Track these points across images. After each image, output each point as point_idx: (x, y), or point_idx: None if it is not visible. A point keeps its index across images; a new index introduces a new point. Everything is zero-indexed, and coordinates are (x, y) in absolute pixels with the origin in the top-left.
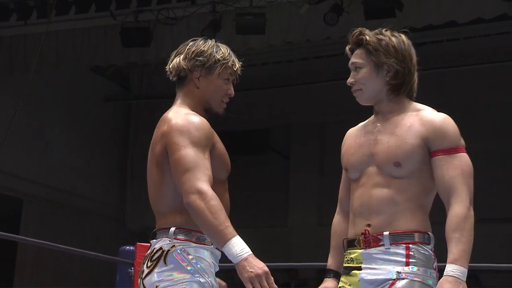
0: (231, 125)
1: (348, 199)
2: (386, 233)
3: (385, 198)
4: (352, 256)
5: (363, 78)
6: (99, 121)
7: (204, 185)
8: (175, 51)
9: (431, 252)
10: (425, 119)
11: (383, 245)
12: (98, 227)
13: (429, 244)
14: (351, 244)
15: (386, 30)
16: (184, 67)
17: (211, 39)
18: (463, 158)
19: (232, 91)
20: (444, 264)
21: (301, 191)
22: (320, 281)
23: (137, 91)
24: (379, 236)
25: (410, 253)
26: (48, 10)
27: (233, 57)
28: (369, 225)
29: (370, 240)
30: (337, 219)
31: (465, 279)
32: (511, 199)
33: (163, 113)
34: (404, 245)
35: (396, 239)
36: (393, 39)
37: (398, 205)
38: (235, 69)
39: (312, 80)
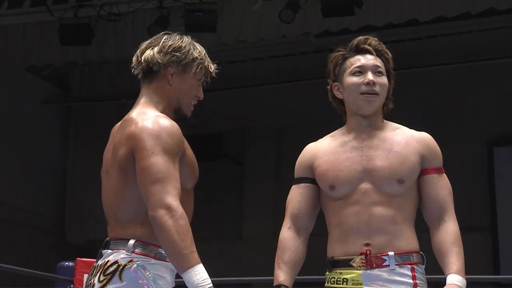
0: (181, 129)
1: (306, 216)
2: (391, 253)
3: (387, 217)
4: (347, 276)
5: (385, 85)
6: (35, 125)
7: (174, 201)
8: (147, 43)
9: (424, 271)
10: (417, 137)
11: (387, 266)
12: (35, 242)
13: (423, 264)
14: (343, 264)
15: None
16: (159, 60)
17: (186, 36)
18: (447, 179)
19: (201, 94)
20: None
21: (256, 199)
22: None
23: (77, 93)
24: (383, 257)
25: (416, 274)
26: None
27: (208, 59)
28: (367, 245)
29: (372, 261)
30: (289, 234)
31: None
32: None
33: (106, 117)
34: (409, 266)
35: (401, 259)
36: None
37: (398, 224)
38: (210, 71)
39: (267, 82)
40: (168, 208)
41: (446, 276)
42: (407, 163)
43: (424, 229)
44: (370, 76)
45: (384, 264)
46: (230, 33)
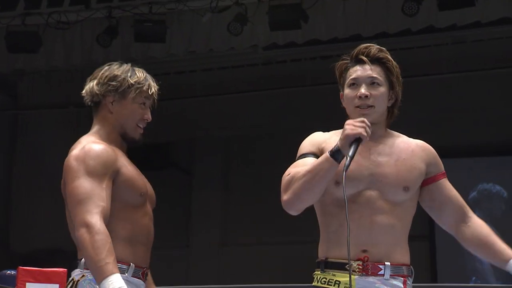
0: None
1: None
2: (388, 263)
3: (387, 226)
4: (340, 279)
5: (381, 96)
6: None
7: (93, 218)
8: (90, 76)
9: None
10: (421, 145)
11: (382, 275)
12: None
13: (412, 277)
14: (338, 266)
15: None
16: (97, 92)
17: (126, 63)
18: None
19: (148, 116)
20: None
21: (204, 208)
22: None
23: (25, 101)
24: (379, 266)
25: (407, 287)
26: None
27: (150, 81)
28: (365, 251)
29: (368, 268)
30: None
31: None
32: None
33: (54, 125)
34: (402, 278)
35: (396, 271)
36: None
37: (397, 234)
38: (150, 93)
39: (216, 92)
40: (87, 226)
41: (509, 261)
42: (415, 171)
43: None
44: (362, 89)
45: (379, 273)
46: (179, 44)
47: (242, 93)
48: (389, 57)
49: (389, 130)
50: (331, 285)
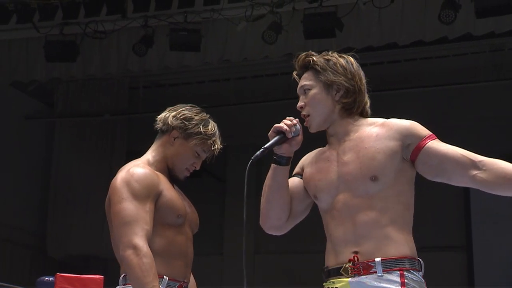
0: None
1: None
2: (378, 259)
3: (370, 222)
4: (338, 285)
5: (313, 99)
6: (19, 140)
7: (140, 241)
8: (171, 107)
9: (422, 279)
10: (392, 124)
11: (375, 272)
12: (16, 256)
13: (420, 270)
14: (335, 273)
15: (332, 52)
16: (169, 122)
17: (206, 113)
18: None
19: (198, 166)
20: None
21: (237, 215)
22: None
23: (62, 108)
24: (370, 263)
25: (405, 280)
26: None
27: (217, 139)
28: (356, 252)
29: (360, 268)
30: None
31: None
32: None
33: (89, 133)
34: (398, 272)
35: (389, 265)
36: (341, 59)
37: (384, 227)
38: (212, 149)
39: (249, 100)
40: (135, 248)
41: None
42: (379, 155)
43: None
44: (298, 103)
45: (372, 270)
46: (214, 53)
47: (275, 101)
48: (314, 57)
49: (361, 119)
50: None
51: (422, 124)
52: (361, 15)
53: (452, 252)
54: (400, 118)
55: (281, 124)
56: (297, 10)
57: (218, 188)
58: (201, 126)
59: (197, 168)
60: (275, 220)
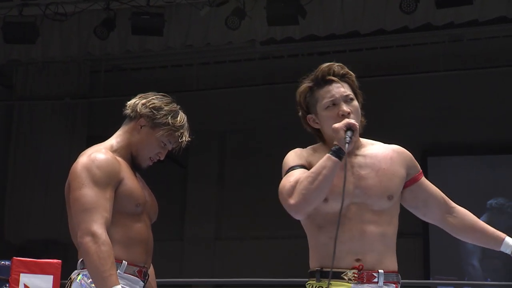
0: None
1: None
2: (381, 271)
3: (378, 234)
4: None
5: (356, 110)
6: None
7: (99, 228)
8: (142, 94)
9: None
10: (398, 150)
11: (376, 282)
12: None
13: (400, 284)
14: (335, 276)
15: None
16: (138, 110)
17: (177, 104)
18: None
19: (162, 157)
20: None
21: (198, 201)
22: None
23: (21, 91)
24: (373, 273)
25: None
26: None
27: (185, 131)
28: (358, 260)
29: (363, 276)
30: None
31: None
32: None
33: (49, 116)
34: (393, 285)
35: (388, 278)
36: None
37: (387, 240)
38: (180, 141)
39: (212, 86)
40: (93, 235)
41: (503, 240)
42: (395, 179)
43: None
44: (344, 107)
45: (373, 280)
46: (177, 37)
47: (238, 87)
48: (349, 71)
49: (361, 139)
50: None
51: (377, 113)
52: (324, 2)
53: (409, 238)
54: (361, 106)
55: (346, 121)
56: None
57: (179, 174)
58: (169, 117)
59: (161, 159)
60: (312, 207)
